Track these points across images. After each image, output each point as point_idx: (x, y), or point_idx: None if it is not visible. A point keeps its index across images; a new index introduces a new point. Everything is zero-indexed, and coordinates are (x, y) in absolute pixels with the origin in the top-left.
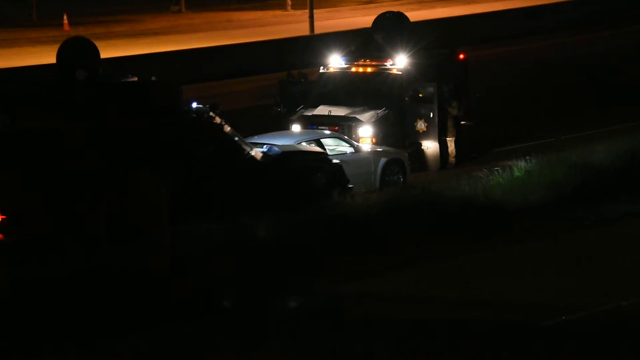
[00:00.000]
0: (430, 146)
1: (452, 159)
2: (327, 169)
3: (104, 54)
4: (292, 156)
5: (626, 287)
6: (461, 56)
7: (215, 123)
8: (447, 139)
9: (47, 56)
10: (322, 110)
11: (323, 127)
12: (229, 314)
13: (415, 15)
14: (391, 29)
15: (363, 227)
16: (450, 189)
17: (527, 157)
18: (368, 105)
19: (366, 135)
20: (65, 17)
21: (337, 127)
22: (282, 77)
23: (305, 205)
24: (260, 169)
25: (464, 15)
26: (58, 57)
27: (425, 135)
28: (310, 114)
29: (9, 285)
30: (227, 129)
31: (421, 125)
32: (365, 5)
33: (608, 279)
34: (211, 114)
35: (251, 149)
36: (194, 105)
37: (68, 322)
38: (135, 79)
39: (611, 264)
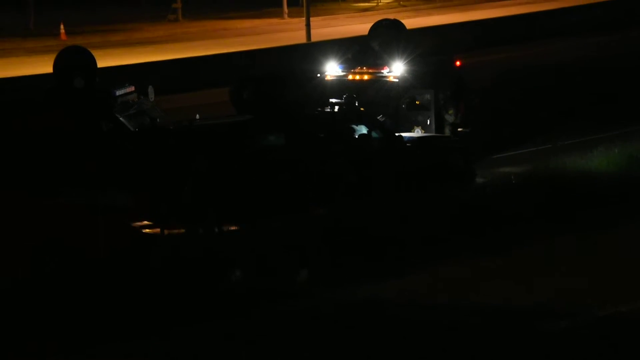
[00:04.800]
0: None
1: None
2: (463, 150)
3: (100, 63)
4: (432, 140)
5: (625, 291)
6: (458, 63)
7: (364, 111)
8: None
9: (44, 65)
10: None
11: None
12: None
13: (411, 22)
14: (388, 36)
15: None
16: None
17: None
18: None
19: None
20: (62, 26)
21: None
22: None
23: (455, 184)
24: (413, 151)
25: (460, 23)
26: (55, 66)
27: None
28: None
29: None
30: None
31: (418, 133)
32: (361, 13)
33: (607, 283)
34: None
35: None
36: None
37: None
38: (132, 88)
39: (610, 268)
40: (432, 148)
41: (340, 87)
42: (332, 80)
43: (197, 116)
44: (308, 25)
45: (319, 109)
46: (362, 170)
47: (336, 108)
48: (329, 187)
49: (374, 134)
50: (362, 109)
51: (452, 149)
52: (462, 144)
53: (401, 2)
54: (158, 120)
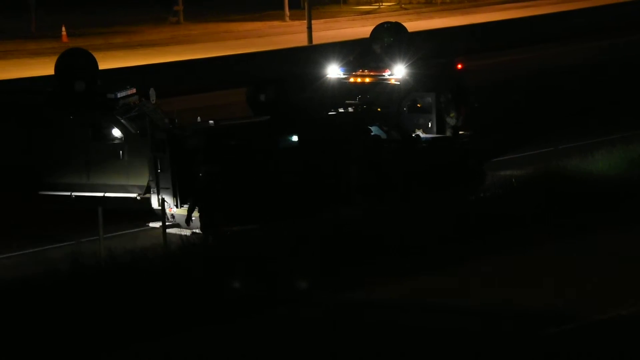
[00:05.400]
0: None
1: None
2: (474, 151)
3: (102, 66)
4: (445, 141)
5: (625, 296)
6: (459, 66)
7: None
8: None
9: (45, 67)
10: None
11: None
12: None
13: (413, 25)
14: (389, 39)
15: None
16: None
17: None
18: None
19: None
20: (63, 28)
21: None
22: None
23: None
24: (432, 150)
25: (462, 26)
26: (57, 68)
27: None
28: None
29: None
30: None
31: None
32: (363, 16)
33: (607, 287)
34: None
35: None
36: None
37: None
38: (134, 90)
39: (609, 272)
40: (446, 149)
41: (341, 89)
42: (333, 83)
43: (198, 118)
44: (309, 27)
45: (336, 110)
46: (376, 170)
47: (350, 110)
48: (343, 187)
49: (392, 135)
50: (379, 109)
51: (464, 150)
52: (472, 145)
53: (403, 5)
54: (176, 120)
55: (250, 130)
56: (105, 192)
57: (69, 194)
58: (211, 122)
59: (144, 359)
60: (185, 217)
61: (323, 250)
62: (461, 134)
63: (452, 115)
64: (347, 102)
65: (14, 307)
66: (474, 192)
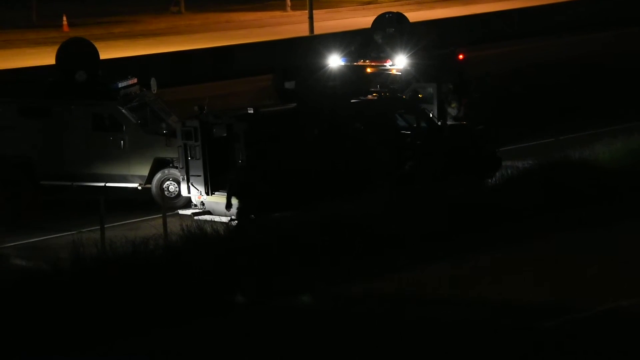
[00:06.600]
0: None
1: None
2: (491, 137)
3: (103, 55)
4: (463, 128)
5: (626, 287)
6: (460, 56)
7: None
8: None
9: (46, 57)
10: None
11: None
12: None
13: (414, 15)
14: (391, 29)
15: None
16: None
17: None
18: None
19: None
20: (64, 18)
21: None
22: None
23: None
24: (454, 137)
25: (463, 16)
26: (57, 58)
27: None
28: None
29: None
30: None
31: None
32: (364, 6)
33: (607, 279)
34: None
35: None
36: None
37: None
38: (135, 80)
39: (610, 264)
40: (465, 136)
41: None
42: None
43: (195, 108)
44: (311, 18)
45: (362, 97)
46: (405, 158)
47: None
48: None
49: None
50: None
51: (481, 137)
52: (489, 132)
53: None
54: (205, 108)
55: (287, 117)
56: (106, 182)
57: (70, 183)
58: (250, 110)
59: (145, 352)
60: (224, 204)
61: (323, 241)
62: (463, 124)
63: (453, 105)
64: (371, 89)
65: (14, 298)
66: (485, 180)
